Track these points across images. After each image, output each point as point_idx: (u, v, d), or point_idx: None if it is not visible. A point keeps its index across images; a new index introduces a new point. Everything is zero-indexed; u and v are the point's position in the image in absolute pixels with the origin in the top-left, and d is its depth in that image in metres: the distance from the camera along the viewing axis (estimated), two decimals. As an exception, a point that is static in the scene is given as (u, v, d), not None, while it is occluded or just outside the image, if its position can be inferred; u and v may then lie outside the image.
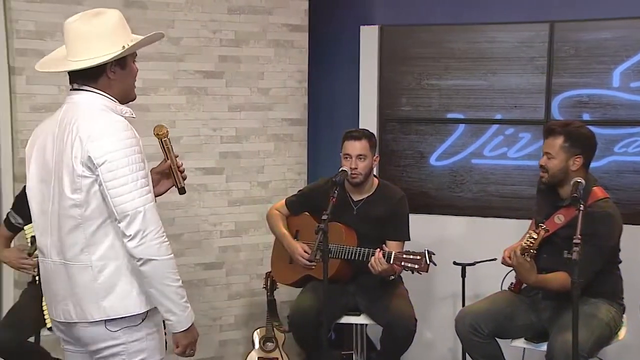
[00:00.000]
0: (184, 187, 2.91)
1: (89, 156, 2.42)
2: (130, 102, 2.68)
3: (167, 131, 2.94)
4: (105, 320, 2.52)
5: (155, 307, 2.58)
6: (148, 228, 2.46)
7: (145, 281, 2.49)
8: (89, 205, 2.46)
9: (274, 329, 4.72)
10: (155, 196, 2.74)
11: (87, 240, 2.49)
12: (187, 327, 2.59)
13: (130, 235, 2.44)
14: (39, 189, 2.59)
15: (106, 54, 2.49)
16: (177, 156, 2.92)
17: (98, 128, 2.45)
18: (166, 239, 2.51)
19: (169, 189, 2.93)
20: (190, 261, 4.79)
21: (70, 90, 2.59)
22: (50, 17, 4.20)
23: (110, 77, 2.54)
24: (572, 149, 3.62)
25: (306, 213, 4.29)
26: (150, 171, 2.75)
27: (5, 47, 4.25)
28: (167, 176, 2.89)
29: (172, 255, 2.53)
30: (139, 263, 2.46)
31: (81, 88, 2.55)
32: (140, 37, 2.65)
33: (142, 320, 2.56)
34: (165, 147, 2.90)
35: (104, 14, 2.54)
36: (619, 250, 3.73)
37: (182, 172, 2.90)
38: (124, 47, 2.52)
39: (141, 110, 4.45)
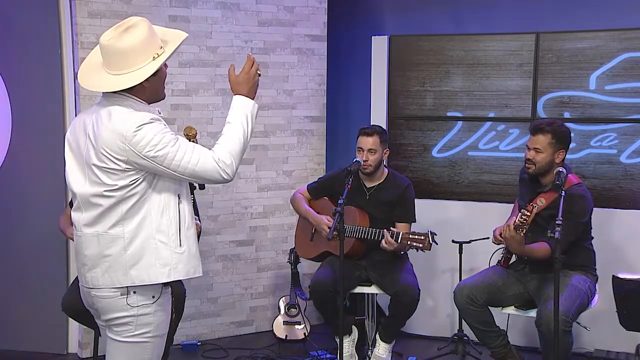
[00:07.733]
0: (204, 184, 2.80)
1: (120, 142, 2.40)
2: (161, 101, 2.63)
3: (196, 132, 2.82)
4: (127, 290, 2.50)
5: (168, 287, 2.56)
6: (219, 158, 2.51)
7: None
8: (124, 187, 2.45)
9: (297, 297, 4.76)
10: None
11: (123, 215, 2.47)
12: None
13: (222, 176, 2.51)
14: (75, 173, 2.57)
15: (139, 67, 2.46)
16: None
17: (123, 119, 2.43)
18: (217, 153, 2.52)
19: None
20: (226, 239, 4.84)
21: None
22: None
23: (144, 85, 2.50)
24: (558, 144, 3.71)
25: (325, 198, 4.30)
26: None
27: (72, 55, 4.35)
28: None
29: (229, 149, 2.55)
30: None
31: (115, 91, 2.51)
32: (166, 30, 2.61)
33: (156, 299, 2.53)
34: None
35: (134, 29, 2.47)
36: (591, 227, 3.80)
37: None
38: (154, 57, 2.47)
39: (184, 109, 4.54)
